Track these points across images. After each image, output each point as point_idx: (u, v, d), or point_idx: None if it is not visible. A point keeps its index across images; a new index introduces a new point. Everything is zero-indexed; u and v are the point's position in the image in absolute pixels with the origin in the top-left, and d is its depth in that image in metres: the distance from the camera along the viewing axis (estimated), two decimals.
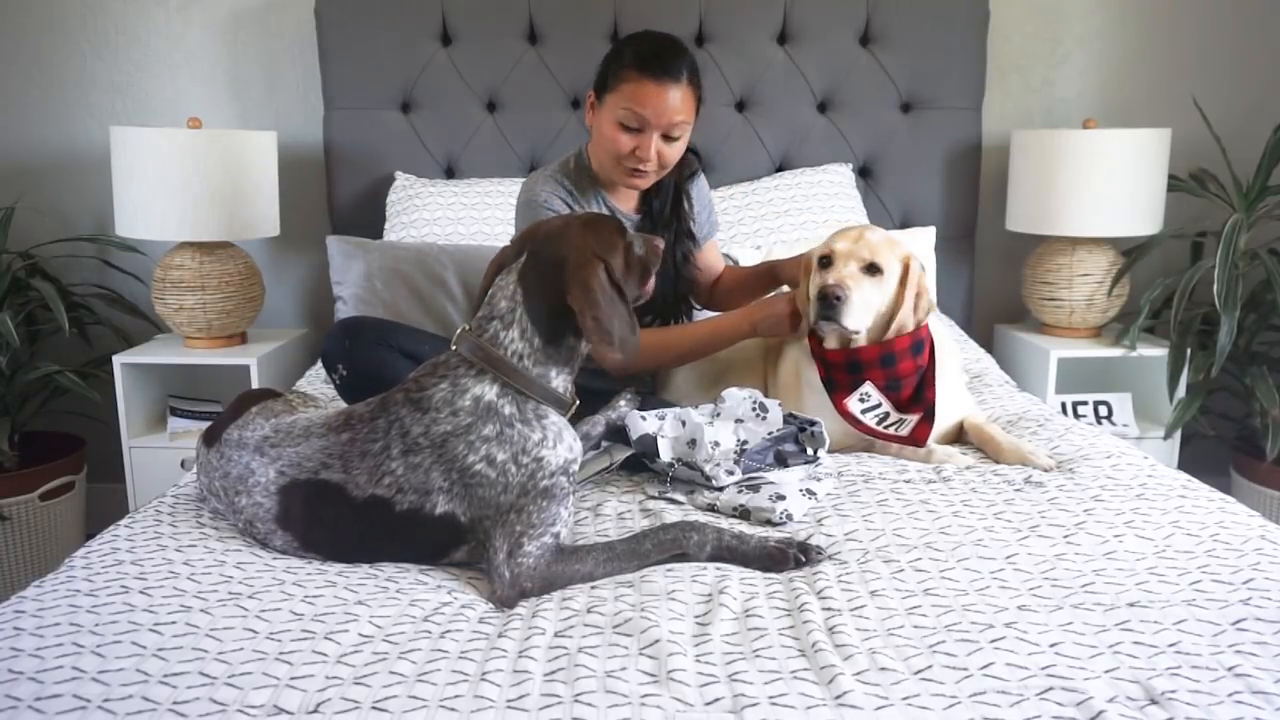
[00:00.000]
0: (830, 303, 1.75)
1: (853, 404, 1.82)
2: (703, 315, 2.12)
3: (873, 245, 1.81)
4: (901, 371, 1.81)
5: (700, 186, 2.08)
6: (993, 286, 3.05)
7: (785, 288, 2.02)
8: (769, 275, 2.08)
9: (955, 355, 1.99)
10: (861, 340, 1.82)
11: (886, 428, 1.82)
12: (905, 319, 1.81)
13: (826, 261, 1.83)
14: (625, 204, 1.99)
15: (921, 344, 1.83)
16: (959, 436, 1.92)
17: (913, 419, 1.81)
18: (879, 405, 1.82)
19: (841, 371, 1.83)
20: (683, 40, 1.89)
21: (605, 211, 1.94)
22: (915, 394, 1.82)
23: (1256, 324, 2.71)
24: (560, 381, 1.40)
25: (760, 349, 2.04)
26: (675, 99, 1.80)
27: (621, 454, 1.69)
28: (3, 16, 2.87)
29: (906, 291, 1.81)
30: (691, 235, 2.04)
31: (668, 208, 2.00)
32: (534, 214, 1.87)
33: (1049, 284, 2.72)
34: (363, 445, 1.36)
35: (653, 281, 1.54)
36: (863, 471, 1.71)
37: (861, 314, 1.78)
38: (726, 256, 2.37)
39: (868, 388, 1.82)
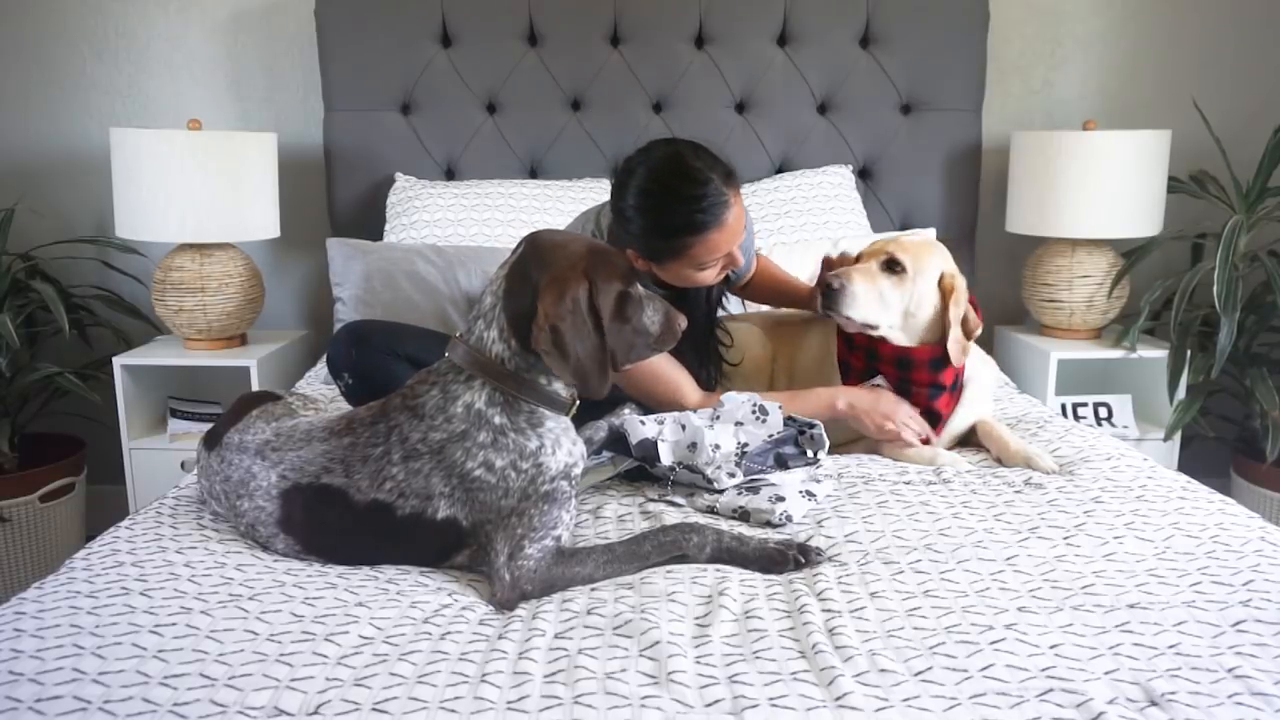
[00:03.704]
0: (828, 291, 1.75)
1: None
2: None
3: (901, 243, 1.80)
4: (916, 379, 1.81)
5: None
6: (993, 288, 3.05)
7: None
8: (799, 295, 2.03)
9: (990, 364, 1.99)
10: (902, 341, 1.81)
11: None
12: (956, 338, 1.78)
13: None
14: None
15: (941, 362, 1.80)
16: (968, 436, 1.92)
17: None
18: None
19: (860, 356, 1.83)
20: (687, 142, 1.68)
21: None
22: (928, 412, 1.82)
23: (1256, 325, 2.71)
24: (559, 384, 1.38)
25: (769, 353, 2.03)
26: (736, 217, 1.66)
27: (624, 465, 1.68)
28: (3, 17, 2.87)
29: (951, 310, 1.78)
30: (721, 298, 1.92)
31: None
32: None
33: (1049, 285, 2.72)
34: (364, 450, 1.36)
35: (644, 354, 1.44)
36: (863, 473, 1.71)
37: (868, 307, 1.76)
38: None
39: (880, 380, 1.82)
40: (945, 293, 1.80)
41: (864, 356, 1.83)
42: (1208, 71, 2.92)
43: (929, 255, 1.82)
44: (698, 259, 1.66)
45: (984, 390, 1.93)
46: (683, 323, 1.46)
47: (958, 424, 1.88)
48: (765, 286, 2.11)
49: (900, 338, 1.82)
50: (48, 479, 2.65)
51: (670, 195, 1.63)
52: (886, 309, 1.78)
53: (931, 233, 2.74)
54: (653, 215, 1.64)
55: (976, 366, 1.91)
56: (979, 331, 1.83)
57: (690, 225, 1.62)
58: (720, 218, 1.63)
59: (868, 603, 1.22)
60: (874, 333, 1.80)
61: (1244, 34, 2.91)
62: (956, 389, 1.84)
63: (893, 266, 1.78)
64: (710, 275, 1.72)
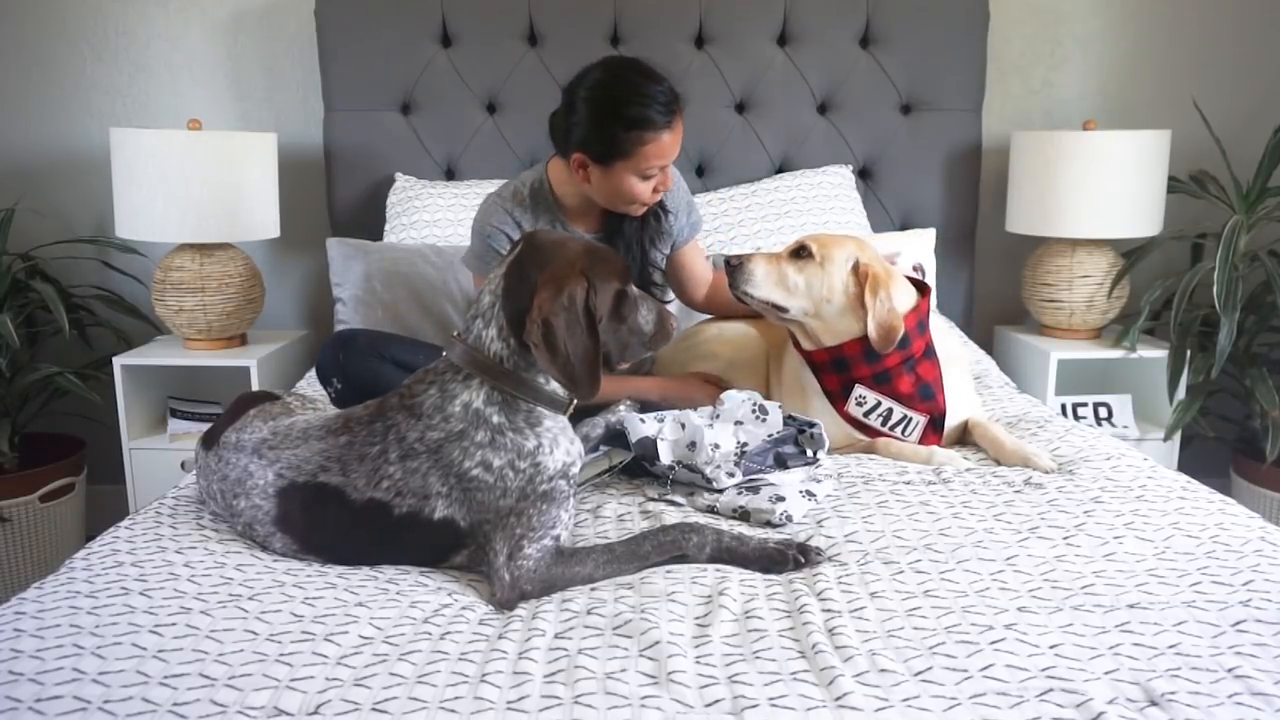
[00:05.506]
0: (728, 268, 1.82)
1: (852, 409, 1.83)
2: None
3: (813, 234, 1.86)
4: (887, 363, 1.80)
5: (673, 187, 1.95)
6: (993, 288, 3.05)
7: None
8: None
9: (963, 356, 1.98)
10: (816, 327, 1.81)
11: (893, 428, 1.82)
12: (873, 326, 1.77)
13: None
14: (581, 223, 1.92)
15: (905, 338, 1.80)
16: (963, 436, 1.92)
17: (920, 420, 1.82)
18: (878, 404, 1.82)
19: (832, 374, 1.83)
20: (627, 54, 1.83)
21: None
22: (918, 391, 1.82)
23: (1256, 325, 2.71)
24: (557, 383, 1.38)
25: (763, 353, 2.04)
26: (678, 132, 1.76)
27: (621, 458, 1.69)
28: (3, 17, 2.87)
29: (867, 299, 1.77)
30: (654, 243, 1.94)
31: (637, 223, 1.90)
32: (482, 243, 1.88)
33: (1049, 285, 2.72)
34: (361, 448, 1.36)
35: (638, 353, 1.46)
36: (862, 473, 1.71)
37: (767, 286, 1.81)
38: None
39: (860, 390, 1.82)
40: (862, 281, 1.80)
41: (834, 369, 1.83)
42: (1208, 71, 2.92)
43: (839, 244, 1.84)
44: (644, 162, 1.72)
45: (962, 372, 1.92)
46: (675, 323, 1.48)
47: (949, 416, 1.86)
48: (720, 290, 2.05)
49: (818, 326, 1.82)
50: (48, 479, 2.65)
51: (628, 86, 1.70)
52: (792, 292, 1.81)
53: (931, 233, 2.74)
54: (608, 105, 1.70)
55: (950, 349, 1.91)
56: (889, 328, 1.76)
57: (644, 117, 1.69)
58: (670, 120, 1.71)
59: (868, 603, 1.22)
60: (786, 315, 1.83)
61: (1244, 34, 2.91)
62: (937, 371, 1.84)
63: (800, 253, 1.83)
64: (647, 191, 1.77)
